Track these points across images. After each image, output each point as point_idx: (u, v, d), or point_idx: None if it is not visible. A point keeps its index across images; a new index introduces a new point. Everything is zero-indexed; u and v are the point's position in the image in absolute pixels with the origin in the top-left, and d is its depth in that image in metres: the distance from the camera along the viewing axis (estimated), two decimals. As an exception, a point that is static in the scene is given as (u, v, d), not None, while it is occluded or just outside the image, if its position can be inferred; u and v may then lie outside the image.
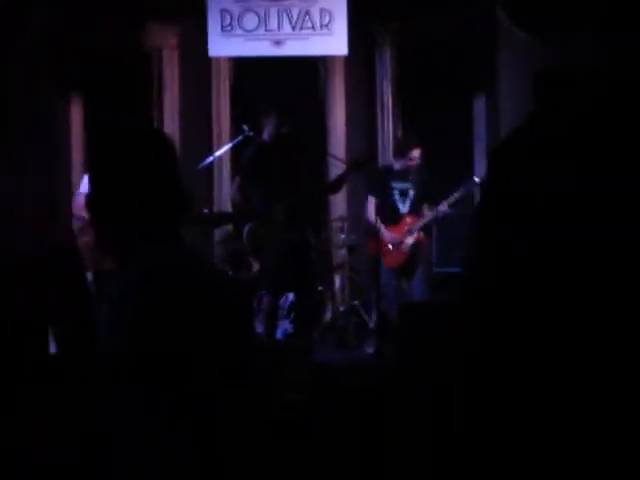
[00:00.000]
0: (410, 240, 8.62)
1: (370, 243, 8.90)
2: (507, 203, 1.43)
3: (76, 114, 10.40)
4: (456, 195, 8.37)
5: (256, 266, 9.16)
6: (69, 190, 10.19)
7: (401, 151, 8.85)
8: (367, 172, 8.98)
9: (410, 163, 8.64)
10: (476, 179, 8.53)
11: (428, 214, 8.59)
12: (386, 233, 8.69)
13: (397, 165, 8.74)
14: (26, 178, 9.29)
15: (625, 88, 1.46)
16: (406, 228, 8.64)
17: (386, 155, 10.80)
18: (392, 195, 8.74)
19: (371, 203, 8.82)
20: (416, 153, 8.61)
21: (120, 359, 2.16)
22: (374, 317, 9.01)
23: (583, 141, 1.38)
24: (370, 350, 8.62)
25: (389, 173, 8.82)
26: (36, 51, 9.56)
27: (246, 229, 8.68)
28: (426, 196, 8.65)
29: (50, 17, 9.60)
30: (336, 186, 9.02)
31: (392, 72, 10.93)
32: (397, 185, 8.71)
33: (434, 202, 8.53)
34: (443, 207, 8.47)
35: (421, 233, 8.68)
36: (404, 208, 8.70)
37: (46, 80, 9.71)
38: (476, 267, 1.49)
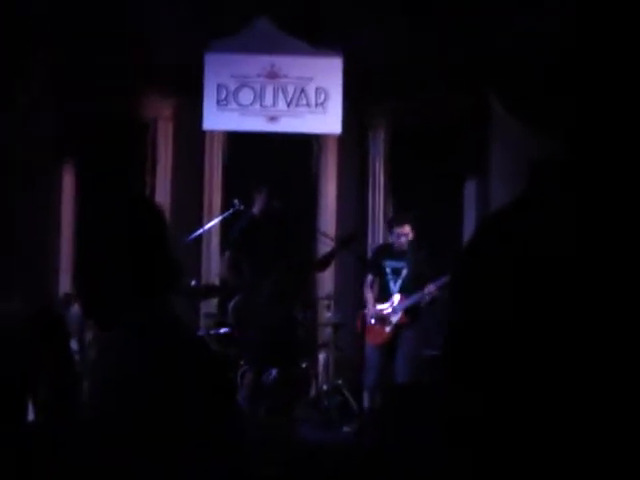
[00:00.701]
0: (394, 319, 8.58)
1: (358, 320, 8.90)
2: (488, 270, 1.42)
3: (68, 181, 10.42)
4: (444, 279, 8.34)
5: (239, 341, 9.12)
6: (57, 256, 10.20)
7: (389, 227, 8.91)
8: (355, 250, 9.01)
9: (398, 240, 8.65)
10: None
11: (414, 296, 8.56)
12: (371, 309, 8.68)
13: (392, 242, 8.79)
14: (16, 241, 9.29)
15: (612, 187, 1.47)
16: (393, 307, 8.61)
17: (376, 233, 10.83)
18: (385, 274, 8.74)
19: (369, 278, 8.84)
20: (404, 230, 8.61)
21: (98, 424, 2.13)
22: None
23: (575, 229, 1.39)
24: (352, 430, 8.54)
25: (386, 251, 8.83)
26: (31, 115, 9.64)
27: (232, 303, 8.67)
28: (420, 276, 8.61)
29: (47, 83, 9.69)
30: (324, 263, 9.03)
31: (384, 152, 11.01)
32: (391, 263, 8.71)
33: (425, 284, 8.50)
34: (430, 289, 8.44)
35: (403, 314, 8.60)
36: (395, 287, 8.69)
37: (40, 145, 9.78)
38: (457, 331, 1.48)
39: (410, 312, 8.59)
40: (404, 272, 8.66)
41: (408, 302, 8.57)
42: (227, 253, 8.81)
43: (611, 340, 1.34)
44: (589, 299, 1.33)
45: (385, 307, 8.63)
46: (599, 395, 1.33)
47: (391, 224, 8.99)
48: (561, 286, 1.36)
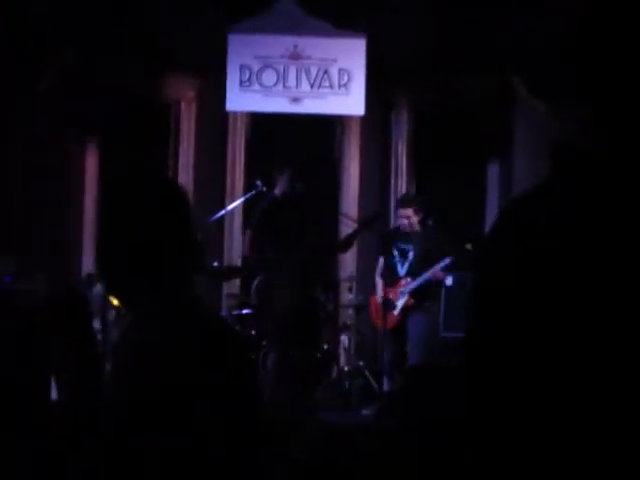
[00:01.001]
0: (400, 302, 8.57)
1: (370, 305, 8.93)
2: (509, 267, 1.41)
3: (91, 161, 10.45)
4: (448, 260, 8.33)
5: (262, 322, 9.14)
6: (80, 236, 10.24)
7: (395, 210, 8.93)
8: (377, 231, 9.00)
9: (402, 222, 8.64)
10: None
11: (419, 278, 8.53)
12: (379, 293, 8.70)
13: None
14: (39, 222, 9.34)
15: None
16: (399, 290, 8.60)
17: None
18: (393, 256, 8.73)
19: (380, 263, 8.84)
20: (406, 212, 8.60)
21: (122, 407, 2.14)
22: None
23: (595, 219, 1.37)
24: (373, 412, 8.54)
25: (395, 234, 8.81)
26: (55, 96, 9.67)
27: (255, 283, 8.66)
28: (426, 258, 8.59)
29: (70, 62, 9.71)
30: (346, 245, 9.02)
31: (407, 133, 10.98)
32: (399, 246, 8.69)
33: (431, 265, 8.48)
34: (434, 271, 8.43)
35: (409, 297, 8.59)
36: (402, 270, 8.67)
37: (63, 126, 9.81)
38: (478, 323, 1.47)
39: (417, 294, 8.56)
40: (410, 254, 8.64)
41: (413, 285, 8.55)
42: (248, 232, 8.80)
43: (634, 328, 1.33)
44: (611, 287, 1.32)
45: (392, 291, 8.62)
46: (623, 387, 1.32)
47: (396, 206, 9.02)
48: (583, 274, 1.35)
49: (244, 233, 9.54)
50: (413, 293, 8.55)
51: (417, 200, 8.90)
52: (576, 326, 1.34)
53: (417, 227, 8.66)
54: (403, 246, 8.68)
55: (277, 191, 8.58)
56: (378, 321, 8.72)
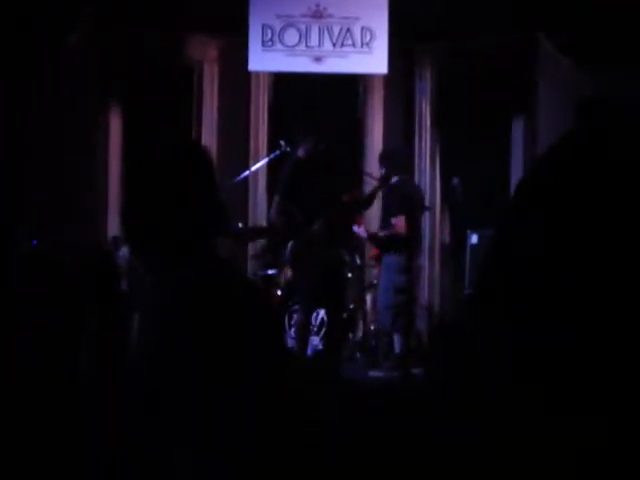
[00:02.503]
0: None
1: None
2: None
3: (115, 124, 10.47)
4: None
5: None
6: (106, 198, 10.28)
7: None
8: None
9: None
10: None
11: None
12: None
13: None
14: (65, 184, 9.38)
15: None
16: None
17: (422, 173, 10.79)
18: None
19: None
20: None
21: (151, 371, 2.16)
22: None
23: (623, 187, 1.35)
24: (382, 373, 8.60)
25: None
26: (79, 58, 9.68)
27: (290, 245, 8.66)
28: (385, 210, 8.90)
29: (96, 24, 9.72)
30: (367, 202, 9.03)
31: (431, 91, 10.93)
32: None
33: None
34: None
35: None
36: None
37: (87, 88, 9.82)
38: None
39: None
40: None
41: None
42: (276, 198, 8.69)
43: None
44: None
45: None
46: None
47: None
48: (605, 235, 1.34)
49: (271, 200, 9.49)
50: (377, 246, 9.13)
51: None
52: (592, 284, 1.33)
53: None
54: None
55: (300, 152, 8.56)
56: None
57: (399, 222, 8.51)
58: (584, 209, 1.32)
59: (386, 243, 8.80)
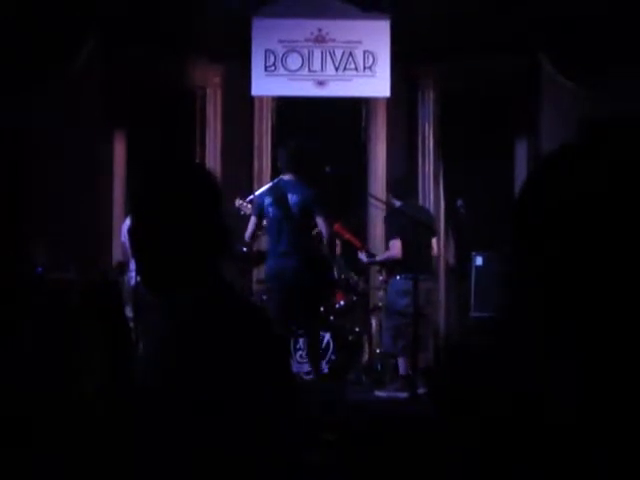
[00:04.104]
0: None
1: None
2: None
3: (119, 149, 10.49)
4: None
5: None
6: (110, 224, 10.29)
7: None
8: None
9: None
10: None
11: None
12: None
13: None
14: (69, 210, 9.40)
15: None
16: None
17: (426, 196, 10.80)
18: None
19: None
20: None
21: (154, 394, 2.16)
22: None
23: (621, 197, 1.36)
24: (405, 394, 8.55)
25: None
26: (85, 76, 9.73)
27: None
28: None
29: (100, 48, 9.77)
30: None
31: (434, 114, 10.95)
32: None
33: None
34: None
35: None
36: None
37: (91, 114, 9.85)
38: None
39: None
40: None
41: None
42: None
43: None
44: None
45: None
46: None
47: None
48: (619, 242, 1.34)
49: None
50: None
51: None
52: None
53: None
54: None
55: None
56: None
57: (394, 245, 8.56)
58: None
59: (387, 266, 8.86)
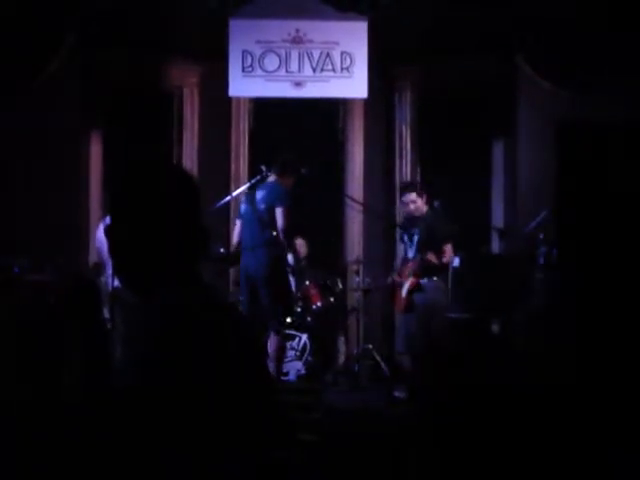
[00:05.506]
0: (406, 285, 8.63)
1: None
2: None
3: (96, 149, 10.46)
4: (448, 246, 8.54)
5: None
6: (87, 225, 10.25)
7: (400, 197, 9.12)
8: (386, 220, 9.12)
9: (406, 208, 8.79)
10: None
11: (415, 261, 8.66)
12: (392, 276, 8.91)
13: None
14: (46, 211, 9.36)
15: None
16: (406, 272, 8.69)
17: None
18: (404, 242, 8.92)
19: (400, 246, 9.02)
20: (410, 197, 8.70)
21: (134, 395, 2.15)
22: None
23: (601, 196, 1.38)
24: (383, 394, 8.57)
25: (408, 221, 8.94)
26: (62, 77, 9.70)
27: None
28: (431, 239, 8.65)
29: (77, 49, 9.74)
30: None
31: (411, 114, 10.96)
32: (408, 231, 8.83)
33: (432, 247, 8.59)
34: (429, 255, 8.56)
35: (413, 280, 8.64)
36: (410, 253, 8.78)
37: (67, 115, 9.82)
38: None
39: (420, 275, 8.66)
40: (415, 238, 8.74)
41: (411, 268, 8.64)
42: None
43: None
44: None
45: (402, 274, 8.74)
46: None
47: (400, 194, 9.20)
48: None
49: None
50: (416, 274, 8.60)
51: (418, 184, 9.10)
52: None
53: (424, 209, 8.76)
54: (411, 230, 8.78)
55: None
56: (394, 303, 8.89)
57: (449, 249, 8.61)
58: None
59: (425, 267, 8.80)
